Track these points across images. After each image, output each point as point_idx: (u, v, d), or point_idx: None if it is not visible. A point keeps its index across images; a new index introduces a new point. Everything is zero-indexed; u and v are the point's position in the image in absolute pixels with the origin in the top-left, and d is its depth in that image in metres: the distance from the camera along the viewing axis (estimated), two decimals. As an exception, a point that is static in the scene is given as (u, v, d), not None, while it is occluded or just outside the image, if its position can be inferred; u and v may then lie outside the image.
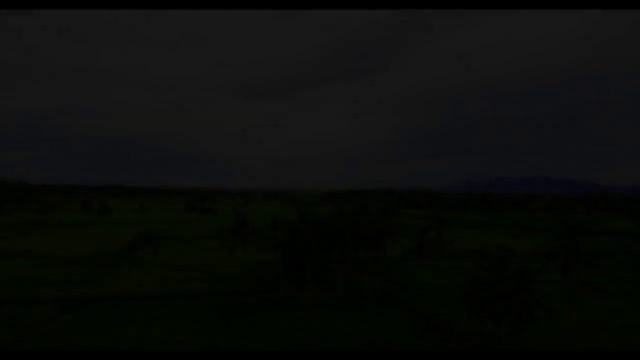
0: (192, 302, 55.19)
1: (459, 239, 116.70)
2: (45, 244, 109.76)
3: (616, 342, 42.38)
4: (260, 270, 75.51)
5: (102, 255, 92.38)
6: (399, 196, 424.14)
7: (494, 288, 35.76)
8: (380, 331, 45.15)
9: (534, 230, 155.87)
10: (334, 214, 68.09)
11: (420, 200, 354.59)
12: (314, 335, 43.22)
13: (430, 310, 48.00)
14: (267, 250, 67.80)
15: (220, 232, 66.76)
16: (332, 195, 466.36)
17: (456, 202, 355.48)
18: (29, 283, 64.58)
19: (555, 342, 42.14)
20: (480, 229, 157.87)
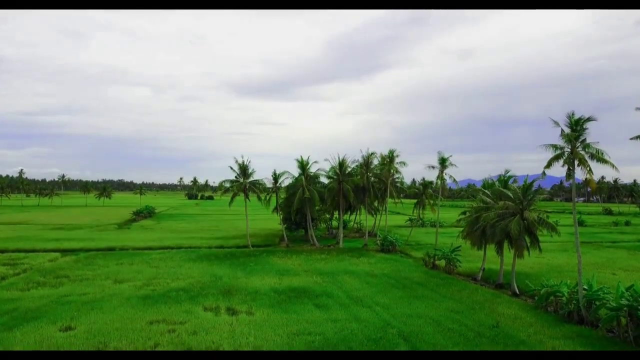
0: (195, 251, 54.86)
1: (451, 216, 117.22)
2: (46, 217, 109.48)
3: (619, 276, 42.30)
4: (265, 233, 75.46)
5: (106, 224, 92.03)
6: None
7: (496, 211, 35.44)
8: (381, 266, 44.98)
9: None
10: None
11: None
12: (310, 265, 43.06)
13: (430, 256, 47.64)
14: (268, 207, 67.52)
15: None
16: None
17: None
18: (28, 240, 64.16)
19: (563, 273, 41.93)
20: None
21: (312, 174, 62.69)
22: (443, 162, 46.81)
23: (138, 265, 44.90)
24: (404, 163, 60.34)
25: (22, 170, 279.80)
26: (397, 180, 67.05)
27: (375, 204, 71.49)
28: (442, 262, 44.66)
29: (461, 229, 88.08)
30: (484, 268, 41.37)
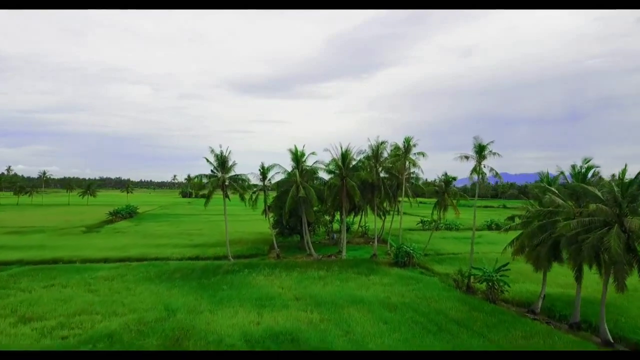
0: (159, 266, 43.53)
1: (467, 218, 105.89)
2: (13, 218, 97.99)
3: None
4: (254, 238, 64.35)
5: (74, 227, 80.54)
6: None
7: (579, 218, 24.08)
8: (399, 289, 33.43)
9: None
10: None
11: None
12: (304, 288, 31.46)
13: (459, 272, 36.17)
14: (256, 208, 56.01)
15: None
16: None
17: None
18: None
19: None
20: (488, 210, 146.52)
21: (308, 168, 51.19)
22: (481, 150, 34.79)
23: (73, 288, 33.49)
24: (422, 154, 48.46)
25: (9, 167, 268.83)
26: (412, 175, 55.49)
27: (385, 204, 59.75)
28: (483, 285, 33.20)
29: (481, 232, 76.99)
30: (544, 296, 29.95)
